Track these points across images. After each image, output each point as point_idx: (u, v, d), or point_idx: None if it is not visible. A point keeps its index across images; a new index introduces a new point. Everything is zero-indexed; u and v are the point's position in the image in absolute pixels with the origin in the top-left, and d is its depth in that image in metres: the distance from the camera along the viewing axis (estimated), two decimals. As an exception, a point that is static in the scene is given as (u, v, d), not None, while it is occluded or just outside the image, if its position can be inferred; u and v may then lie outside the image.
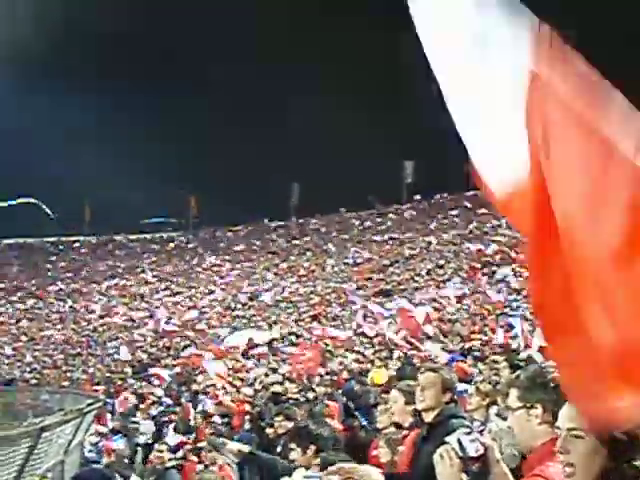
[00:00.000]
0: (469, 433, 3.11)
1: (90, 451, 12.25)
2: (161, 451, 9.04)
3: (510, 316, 20.18)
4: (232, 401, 14.03)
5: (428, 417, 5.31)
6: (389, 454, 6.41)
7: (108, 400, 20.03)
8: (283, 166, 59.02)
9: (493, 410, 6.88)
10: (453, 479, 2.85)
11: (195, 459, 9.00)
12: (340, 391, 13.27)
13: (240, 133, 63.22)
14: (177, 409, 15.70)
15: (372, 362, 16.15)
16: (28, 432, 6.75)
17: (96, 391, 26.16)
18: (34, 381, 38.92)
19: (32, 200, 52.68)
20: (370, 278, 39.74)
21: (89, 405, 12.28)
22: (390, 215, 55.59)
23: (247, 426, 12.02)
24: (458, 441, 3.00)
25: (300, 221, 60.64)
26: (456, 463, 2.90)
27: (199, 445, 9.63)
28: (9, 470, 6.40)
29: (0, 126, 55.61)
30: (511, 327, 17.75)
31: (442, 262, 38.39)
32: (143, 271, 56.01)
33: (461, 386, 8.37)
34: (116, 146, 60.35)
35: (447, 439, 3.13)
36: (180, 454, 10.04)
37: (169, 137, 65.44)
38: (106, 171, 55.62)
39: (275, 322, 34.91)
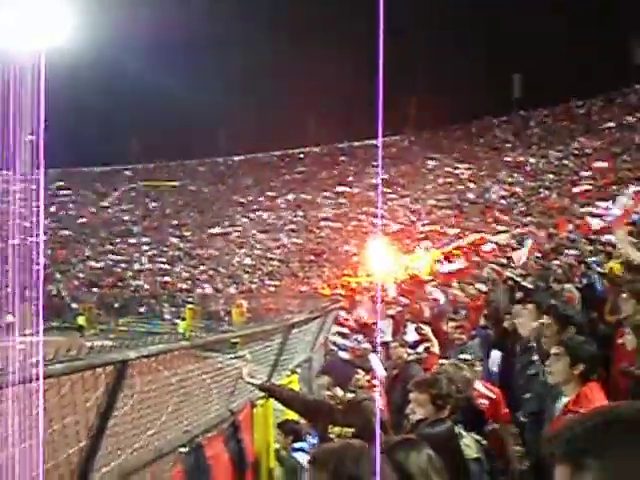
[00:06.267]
0: None
1: (332, 350, 12.73)
2: (400, 346, 9.19)
3: None
4: (467, 297, 13.99)
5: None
6: (635, 340, 6.13)
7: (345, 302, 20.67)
8: (503, 58, 56.81)
9: None
10: None
11: (437, 352, 9.10)
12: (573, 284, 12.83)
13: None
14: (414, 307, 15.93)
15: (609, 254, 15.37)
16: (279, 328, 7.09)
17: (334, 294, 27.12)
18: (273, 288, 41.05)
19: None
20: (600, 168, 37.74)
21: (330, 305, 12.72)
22: (618, 100, 51.94)
23: (482, 322, 11.91)
24: None
25: (523, 114, 58.21)
26: None
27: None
28: (265, 364, 6.80)
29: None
30: None
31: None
32: (369, 177, 56.55)
33: None
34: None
35: None
36: (420, 349, 10.17)
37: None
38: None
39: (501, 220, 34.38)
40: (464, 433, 4.34)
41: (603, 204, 26.43)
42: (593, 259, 14.79)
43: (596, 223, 21.06)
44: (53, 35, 41.65)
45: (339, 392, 5.79)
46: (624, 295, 7.28)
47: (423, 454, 2.66)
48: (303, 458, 6.83)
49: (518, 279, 11.98)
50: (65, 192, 66.74)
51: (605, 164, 38.17)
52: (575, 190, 34.44)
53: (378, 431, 2.56)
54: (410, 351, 9.50)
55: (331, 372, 6.03)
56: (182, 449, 4.91)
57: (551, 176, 41.07)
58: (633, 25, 50.84)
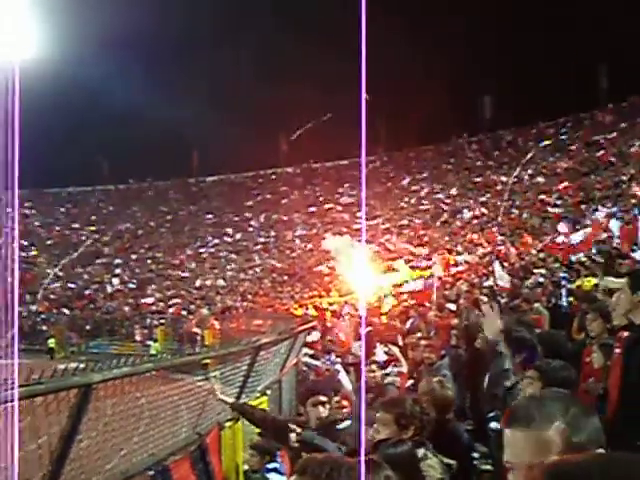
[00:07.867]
0: None
1: (304, 371, 12.72)
2: (372, 371, 9.20)
3: None
4: (437, 317, 14.06)
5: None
6: (602, 359, 6.21)
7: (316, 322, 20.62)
8: (472, 78, 57.30)
9: None
10: None
11: (404, 371, 9.13)
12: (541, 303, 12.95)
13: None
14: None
15: (577, 272, 15.52)
16: (247, 350, 7.06)
17: (305, 315, 27.09)
18: (245, 309, 40.91)
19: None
20: (570, 187, 38.08)
21: (300, 326, 12.70)
22: (586, 122, 52.23)
23: (453, 341, 11.96)
24: None
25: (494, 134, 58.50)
26: None
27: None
28: (233, 387, 6.77)
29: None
30: None
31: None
32: (341, 196, 56.64)
33: None
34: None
35: None
36: (391, 370, 10.18)
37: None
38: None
39: (474, 239, 34.57)
40: (429, 454, 4.33)
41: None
42: (562, 276, 14.93)
43: (566, 241, 21.34)
44: (20, 51, 41.19)
45: (323, 413, 5.73)
46: (590, 315, 7.35)
47: (380, 476, 2.65)
48: (277, 478, 6.80)
49: (498, 282, 12.05)
50: (34, 213, 66.22)
51: (574, 184, 38.55)
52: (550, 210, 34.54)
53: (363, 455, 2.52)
54: (386, 372, 9.52)
55: (321, 390, 5.96)
56: (149, 472, 4.88)
57: (522, 195, 41.36)
58: (601, 47, 51.66)
